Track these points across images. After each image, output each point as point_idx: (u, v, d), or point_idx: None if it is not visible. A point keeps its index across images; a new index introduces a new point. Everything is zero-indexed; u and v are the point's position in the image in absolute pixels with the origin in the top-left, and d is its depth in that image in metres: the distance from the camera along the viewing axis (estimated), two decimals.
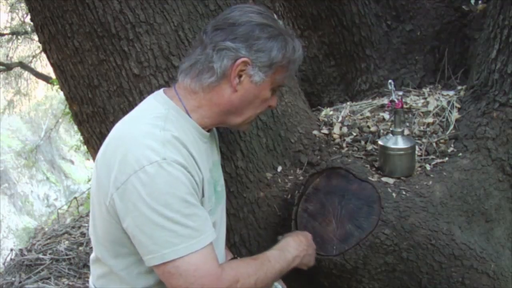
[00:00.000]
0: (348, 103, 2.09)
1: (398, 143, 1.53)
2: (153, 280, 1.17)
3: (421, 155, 1.66)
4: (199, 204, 1.12)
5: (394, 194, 1.49)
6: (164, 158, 1.05)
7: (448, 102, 1.83)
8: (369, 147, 1.71)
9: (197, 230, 1.07)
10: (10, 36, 8.40)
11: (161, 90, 1.25)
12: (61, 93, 1.93)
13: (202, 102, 1.19)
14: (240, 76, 1.16)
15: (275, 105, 1.29)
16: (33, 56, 8.76)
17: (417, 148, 1.63)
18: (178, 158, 1.07)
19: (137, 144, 1.07)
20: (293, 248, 1.30)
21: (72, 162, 14.19)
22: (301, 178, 1.64)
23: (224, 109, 1.20)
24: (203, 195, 1.17)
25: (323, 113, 1.98)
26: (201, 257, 1.07)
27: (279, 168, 1.68)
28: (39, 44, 2.38)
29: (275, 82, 1.22)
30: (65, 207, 7.50)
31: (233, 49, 1.14)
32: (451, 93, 1.93)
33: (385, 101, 1.99)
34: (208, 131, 1.27)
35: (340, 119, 1.88)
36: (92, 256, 1.28)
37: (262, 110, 1.27)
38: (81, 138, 2.80)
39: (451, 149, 1.66)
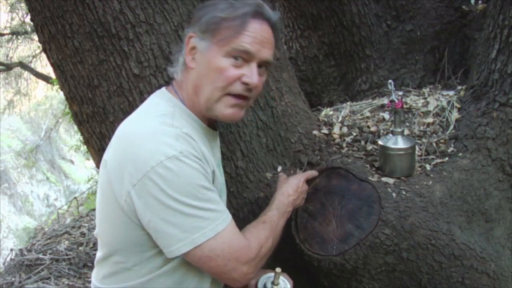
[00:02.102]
0: (348, 103, 2.09)
1: (398, 143, 1.53)
2: (164, 269, 1.18)
3: (421, 155, 1.66)
4: (214, 188, 1.16)
5: (394, 194, 1.49)
6: (181, 152, 1.07)
7: (448, 102, 1.83)
8: (369, 147, 1.71)
9: (218, 211, 1.12)
10: (10, 36, 8.39)
11: (164, 88, 1.27)
12: (61, 93, 1.92)
13: (186, 91, 1.23)
14: (194, 54, 1.20)
15: (251, 80, 1.16)
16: (33, 56, 8.76)
17: (417, 148, 1.63)
18: (192, 151, 1.10)
19: (150, 140, 1.08)
20: (286, 205, 1.38)
21: (72, 162, 14.19)
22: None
23: (192, 92, 1.21)
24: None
25: (323, 113, 1.98)
26: (229, 234, 1.13)
27: (279, 168, 1.68)
28: (39, 44, 2.38)
29: (224, 45, 1.15)
30: (65, 207, 7.49)
31: (186, 32, 1.22)
32: (451, 93, 1.94)
33: (385, 101, 1.99)
34: (215, 129, 1.29)
35: (340, 119, 1.88)
36: (98, 256, 1.28)
37: (225, 84, 1.16)
38: (81, 138, 2.80)
39: (451, 149, 1.66)
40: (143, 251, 1.17)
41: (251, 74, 1.17)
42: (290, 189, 1.42)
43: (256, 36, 1.16)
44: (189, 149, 1.09)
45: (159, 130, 1.10)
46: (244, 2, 1.17)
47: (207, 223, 1.09)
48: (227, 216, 1.15)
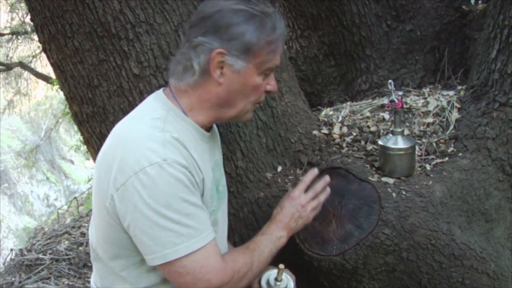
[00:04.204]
0: (348, 103, 2.09)
1: (398, 143, 1.53)
2: (154, 279, 1.18)
3: (421, 155, 1.66)
4: (200, 203, 1.12)
5: (394, 194, 1.49)
6: (165, 159, 1.05)
7: (448, 102, 1.83)
8: (369, 147, 1.71)
9: (197, 229, 1.09)
10: (10, 36, 8.39)
11: (161, 90, 1.24)
12: (61, 93, 1.93)
13: (193, 100, 1.18)
14: (221, 68, 1.14)
15: (274, 88, 1.22)
16: (33, 56, 8.76)
17: (417, 148, 1.63)
18: (179, 159, 1.07)
19: (137, 145, 1.07)
20: (275, 231, 1.33)
21: (72, 162, 14.20)
22: (301, 178, 1.64)
23: (214, 104, 1.18)
24: (202, 195, 1.17)
25: (323, 113, 1.98)
26: (204, 254, 1.10)
27: (279, 168, 1.68)
28: (39, 44, 2.38)
29: (261, 66, 1.15)
30: (65, 207, 7.49)
31: (206, 43, 1.12)
32: (451, 93, 1.94)
33: (385, 101, 1.99)
34: (208, 131, 1.26)
35: (340, 119, 1.88)
36: (91, 257, 1.28)
37: (258, 97, 1.20)
38: (81, 138, 2.80)
39: (451, 149, 1.66)
40: (129, 256, 1.16)
41: (274, 83, 1.22)
42: (282, 215, 1.36)
43: (280, 52, 1.19)
44: (175, 156, 1.06)
45: (147, 134, 1.09)
46: (268, 15, 1.14)
47: (181, 239, 1.06)
48: (207, 235, 1.11)
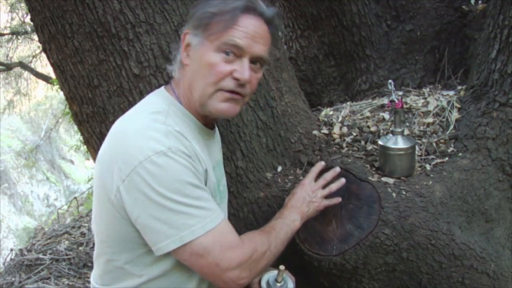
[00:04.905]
0: (348, 103, 2.09)
1: (398, 143, 1.53)
2: (158, 270, 1.18)
3: (421, 155, 1.66)
4: (205, 187, 1.14)
5: (394, 194, 1.49)
6: (169, 148, 1.06)
7: (448, 102, 1.83)
8: (369, 147, 1.71)
9: (209, 209, 1.11)
10: (10, 36, 8.39)
11: (162, 87, 1.27)
12: (61, 93, 1.93)
13: (181, 90, 1.22)
14: (189, 51, 1.19)
15: (242, 76, 1.14)
16: (33, 56, 8.76)
17: (417, 148, 1.63)
18: (182, 148, 1.09)
19: (140, 136, 1.08)
20: (289, 215, 1.38)
21: (72, 162, 14.20)
22: (301, 178, 1.64)
23: (187, 89, 1.20)
24: (205, 185, 1.18)
25: (323, 113, 1.98)
26: (221, 232, 1.12)
27: (279, 168, 1.68)
28: (39, 44, 2.39)
29: (214, 40, 1.13)
30: (65, 207, 7.50)
31: (183, 29, 1.22)
32: (451, 93, 1.94)
33: (385, 101, 1.99)
34: (211, 128, 1.28)
35: (340, 119, 1.88)
36: (94, 253, 1.28)
37: (217, 80, 1.14)
38: (81, 138, 2.80)
39: (451, 149, 1.66)
40: (134, 248, 1.16)
41: (242, 70, 1.14)
42: (293, 200, 1.42)
43: (247, 31, 1.14)
44: (178, 146, 1.08)
45: (149, 126, 1.10)
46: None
47: (196, 220, 1.08)
48: (219, 215, 1.13)
